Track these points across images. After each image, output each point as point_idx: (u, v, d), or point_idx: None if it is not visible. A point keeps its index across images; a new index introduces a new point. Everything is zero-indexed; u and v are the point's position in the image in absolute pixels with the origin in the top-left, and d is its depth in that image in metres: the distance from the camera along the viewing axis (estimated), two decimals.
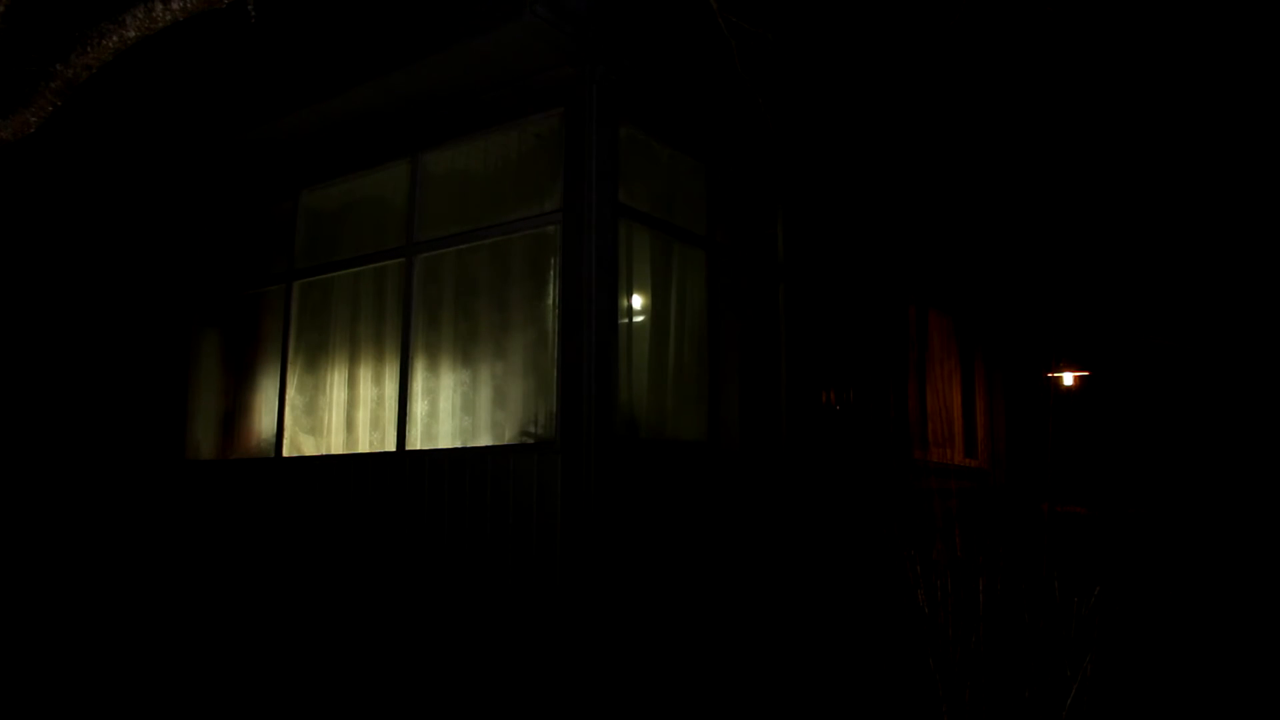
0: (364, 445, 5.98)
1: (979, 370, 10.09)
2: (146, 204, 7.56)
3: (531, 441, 5.13)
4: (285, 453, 6.30)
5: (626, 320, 5.37)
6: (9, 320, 7.16)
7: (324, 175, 6.40)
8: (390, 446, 5.71)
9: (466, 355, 5.62)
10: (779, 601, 6.07)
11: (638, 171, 5.52)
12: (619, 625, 4.84)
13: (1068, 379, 12.66)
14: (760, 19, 4.91)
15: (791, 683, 5.77)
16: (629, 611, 4.90)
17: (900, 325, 8.40)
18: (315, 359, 6.38)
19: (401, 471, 5.47)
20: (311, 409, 6.34)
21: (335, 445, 6.14)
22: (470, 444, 5.44)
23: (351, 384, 6.14)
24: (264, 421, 6.55)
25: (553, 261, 5.16)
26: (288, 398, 6.36)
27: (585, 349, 4.86)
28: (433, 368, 5.71)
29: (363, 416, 6.04)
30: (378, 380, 5.98)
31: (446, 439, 5.59)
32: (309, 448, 6.28)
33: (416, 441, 5.63)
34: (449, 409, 5.63)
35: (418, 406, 5.67)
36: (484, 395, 5.49)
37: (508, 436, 5.30)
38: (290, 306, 6.46)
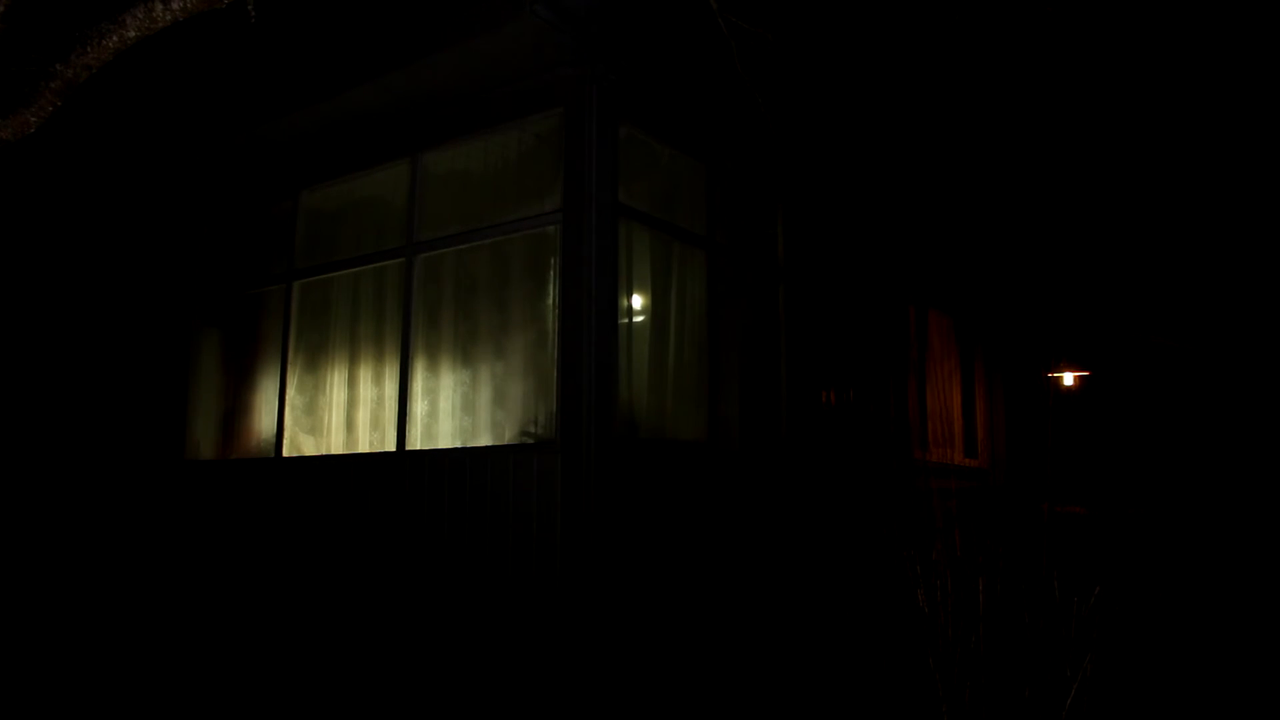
0: (364, 445, 5.98)
1: (979, 370, 10.09)
2: (147, 204, 7.56)
3: (531, 441, 5.13)
4: (285, 453, 6.30)
5: (626, 320, 5.37)
6: (9, 320, 7.16)
7: (324, 175, 6.40)
8: (390, 446, 5.71)
9: (466, 355, 5.62)
10: (779, 601, 6.06)
11: (638, 171, 5.51)
12: (619, 625, 4.84)
13: (1068, 379, 12.66)
14: (760, 19, 4.90)
15: (792, 682, 5.77)
16: (629, 611, 4.90)
17: (900, 325, 8.40)
18: (315, 359, 6.38)
19: (401, 471, 5.47)
20: (311, 409, 6.34)
21: (335, 445, 6.14)
22: (470, 444, 5.44)
23: (351, 384, 6.14)
24: (264, 421, 6.55)
25: (553, 261, 5.16)
26: (288, 398, 6.36)
27: (585, 349, 4.86)
28: (433, 368, 5.71)
29: (363, 416, 6.04)
30: (378, 380, 5.98)
31: (446, 439, 5.59)
32: (309, 448, 6.28)
33: (416, 441, 5.63)
34: (449, 409, 5.63)
35: (418, 406, 5.67)
36: (484, 395, 5.49)
37: (508, 436, 5.30)
38: (290, 306, 6.46)
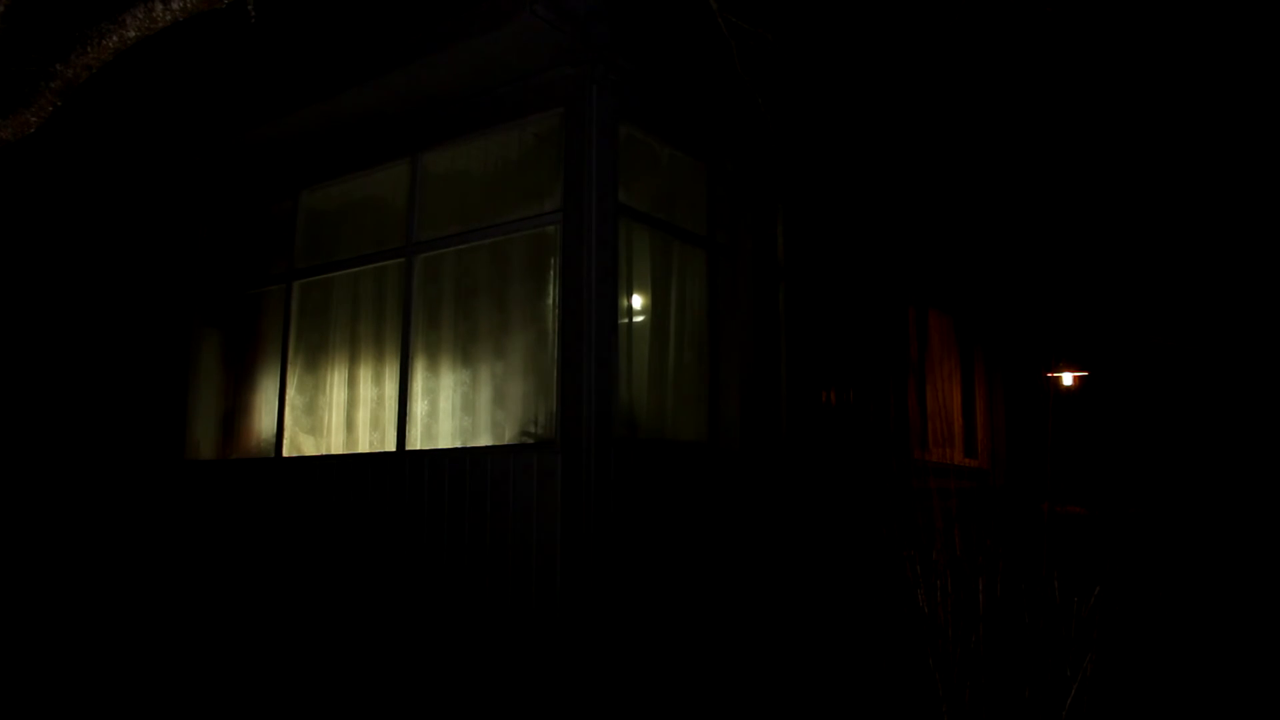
0: (364, 445, 5.98)
1: (979, 370, 10.09)
2: (147, 204, 7.56)
3: (531, 441, 5.13)
4: (285, 453, 6.30)
5: (626, 320, 5.37)
6: (9, 320, 7.16)
7: (324, 175, 6.40)
8: (390, 446, 5.71)
9: (466, 355, 5.62)
10: (779, 601, 6.06)
11: (638, 171, 5.51)
12: (619, 625, 4.83)
13: (1067, 379, 12.66)
14: (760, 19, 4.90)
15: (792, 682, 5.77)
16: (629, 611, 4.90)
17: (900, 325, 8.40)
18: (315, 359, 6.38)
19: (401, 471, 5.47)
20: (311, 409, 6.33)
21: (335, 445, 6.14)
22: (470, 444, 5.44)
23: (351, 384, 6.14)
24: (264, 421, 6.55)
25: (553, 261, 5.16)
26: (288, 398, 6.35)
27: (585, 349, 4.86)
28: (433, 367, 5.71)
29: (363, 416, 6.04)
30: (378, 380, 5.98)
31: (446, 439, 5.58)
32: (309, 448, 6.28)
33: (416, 441, 5.63)
34: (449, 409, 5.63)
35: (418, 406, 5.67)
36: (484, 395, 5.49)
37: (508, 436, 5.30)
38: (290, 306, 6.46)
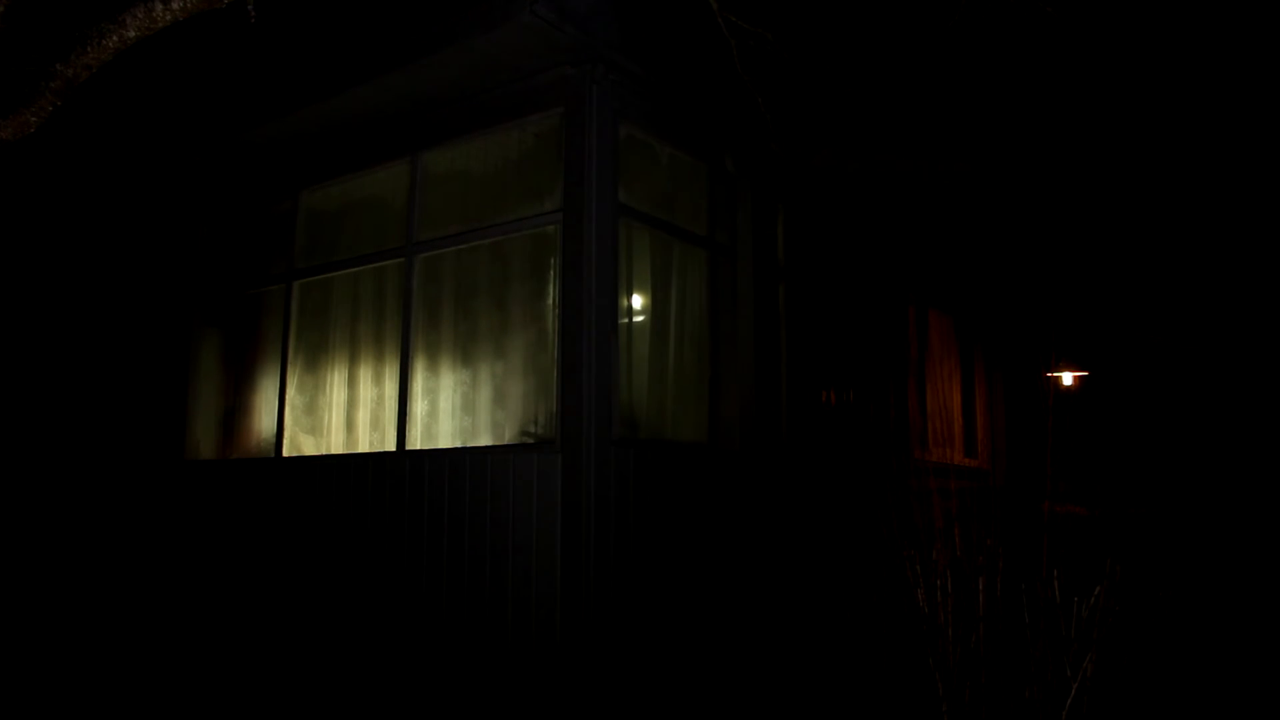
0: (364, 445, 5.98)
1: (979, 370, 10.09)
2: (147, 204, 7.56)
3: (531, 441, 5.13)
4: (285, 452, 6.30)
5: (626, 320, 5.37)
6: (9, 320, 7.16)
7: (324, 175, 6.40)
8: (390, 446, 5.71)
9: (466, 355, 5.62)
10: (779, 601, 6.06)
11: (638, 171, 5.52)
12: (618, 624, 4.84)
13: (1067, 379, 12.65)
14: (760, 19, 4.90)
15: (792, 682, 5.77)
16: (629, 610, 4.90)
17: (900, 325, 8.40)
18: (315, 359, 6.38)
19: (401, 471, 5.47)
20: (311, 409, 6.33)
21: (335, 445, 6.14)
22: (470, 444, 5.44)
23: (351, 384, 6.14)
24: (264, 421, 6.55)
25: (553, 261, 5.16)
26: (288, 397, 6.36)
27: (585, 349, 4.86)
28: (433, 367, 5.71)
29: (363, 416, 6.04)
30: (378, 380, 5.98)
31: (446, 439, 5.58)
32: (309, 447, 6.28)
33: (416, 441, 5.63)
34: (449, 409, 5.63)
35: (418, 406, 5.67)
36: (484, 395, 5.49)
37: (508, 436, 5.30)
38: (290, 306, 6.46)
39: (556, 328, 5.03)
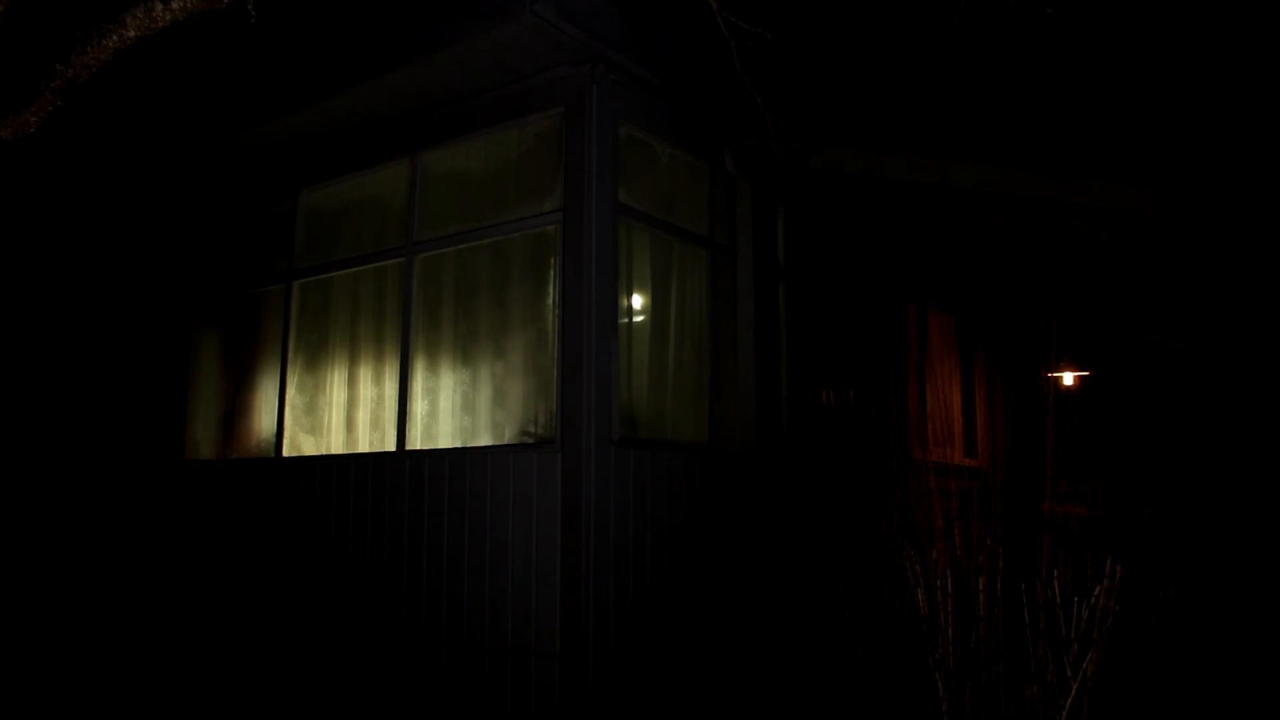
0: (364, 445, 5.98)
1: (979, 370, 10.09)
2: (147, 204, 7.55)
3: (531, 441, 5.13)
4: (285, 452, 6.30)
5: (627, 320, 5.37)
6: (9, 320, 7.16)
7: (324, 175, 6.40)
8: (390, 446, 5.71)
9: (466, 355, 5.62)
10: (779, 600, 6.06)
11: (638, 171, 5.51)
12: (618, 624, 4.84)
13: (1068, 379, 12.65)
14: (760, 19, 4.90)
15: (792, 682, 5.77)
16: (629, 610, 4.90)
17: (900, 325, 8.40)
18: (315, 359, 6.38)
19: (401, 471, 5.47)
20: (311, 409, 6.33)
21: (335, 445, 6.14)
22: (470, 444, 5.44)
23: (351, 384, 6.14)
24: (264, 421, 6.55)
25: (553, 261, 5.16)
26: (288, 397, 6.36)
27: (585, 349, 4.86)
28: (433, 367, 5.71)
29: (363, 416, 6.04)
30: (378, 380, 5.98)
31: (446, 439, 5.58)
32: (309, 447, 6.28)
33: (416, 441, 5.63)
34: (449, 409, 5.63)
35: (418, 406, 5.67)
36: (484, 395, 5.49)
37: (508, 436, 5.30)
38: (290, 306, 6.46)
39: (556, 328, 5.03)
